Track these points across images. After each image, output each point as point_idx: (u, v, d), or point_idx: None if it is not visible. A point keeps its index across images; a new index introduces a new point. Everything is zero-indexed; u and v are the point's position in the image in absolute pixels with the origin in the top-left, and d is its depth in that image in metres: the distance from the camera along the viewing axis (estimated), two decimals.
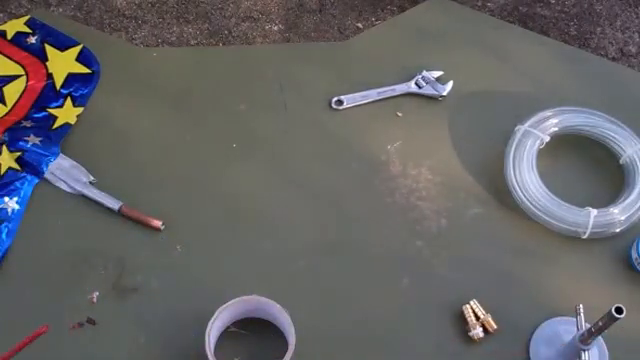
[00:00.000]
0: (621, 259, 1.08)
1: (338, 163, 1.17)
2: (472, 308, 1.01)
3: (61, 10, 2.39)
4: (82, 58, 1.28)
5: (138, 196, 1.11)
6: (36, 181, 1.12)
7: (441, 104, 1.23)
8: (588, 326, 0.91)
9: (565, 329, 1.00)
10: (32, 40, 1.29)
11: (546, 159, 1.15)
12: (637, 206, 1.08)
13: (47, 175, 1.12)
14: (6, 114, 1.20)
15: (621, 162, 1.14)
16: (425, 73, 1.25)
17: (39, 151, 1.14)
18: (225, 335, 0.99)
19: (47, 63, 1.27)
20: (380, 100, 1.24)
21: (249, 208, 1.11)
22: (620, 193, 1.12)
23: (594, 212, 1.07)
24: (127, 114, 1.21)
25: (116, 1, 2.46)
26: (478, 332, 0.99)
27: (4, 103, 1.21)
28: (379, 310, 1.03)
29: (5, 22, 1.34)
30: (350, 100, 1.23)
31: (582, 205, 1.08)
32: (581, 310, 0.95)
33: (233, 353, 0.97)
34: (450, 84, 1.25)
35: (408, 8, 1.45)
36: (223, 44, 2.40)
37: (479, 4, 2.53)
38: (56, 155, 1.14)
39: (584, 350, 0.92)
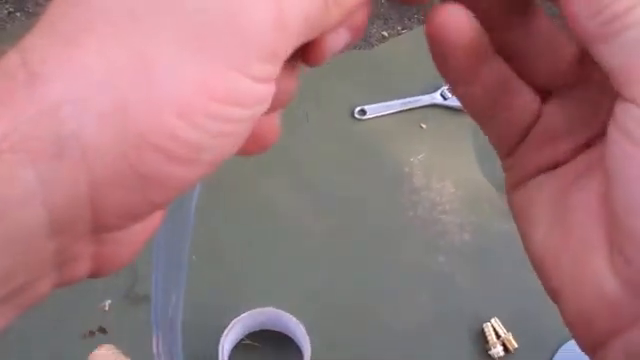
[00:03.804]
0: None
1: (360, 174, 1.15)
2: (493, 326, 0.99)
3: None
4: None
5: None
6: None
7: (466, 116, 1.20)
8: None
9: None
10: None
11: None
12: None
13: None
14: None
15: None
16: None
17: None
18: (239, 347, 0.97)
19: None
20: (404, 111, 1.22)
21: (268, 219, 1.10)
22: None
23: None
24: None
25: None
26: (498, 351, 0.97)
27: None
28: (397, 325, 1.01)
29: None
30: (373, 110, 1.21)
31: None
32: None
33: None
34: None
35: None
36: None
37: None
38: None
39: None
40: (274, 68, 0.29)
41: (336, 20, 0.30)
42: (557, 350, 0.98)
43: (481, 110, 0.36)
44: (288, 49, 0.29)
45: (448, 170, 1.16)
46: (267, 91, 0.29)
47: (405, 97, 1.23)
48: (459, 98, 0.36)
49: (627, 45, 0.27)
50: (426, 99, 1.23)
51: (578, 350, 0.97)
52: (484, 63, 0.33)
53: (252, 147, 0.31)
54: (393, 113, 1.22)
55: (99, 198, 0.26)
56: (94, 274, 0.31)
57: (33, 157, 0.25)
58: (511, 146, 0.36)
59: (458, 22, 0.33)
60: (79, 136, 0.25)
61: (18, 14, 2.21)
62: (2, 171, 0.24)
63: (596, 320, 0.29)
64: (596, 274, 0.29)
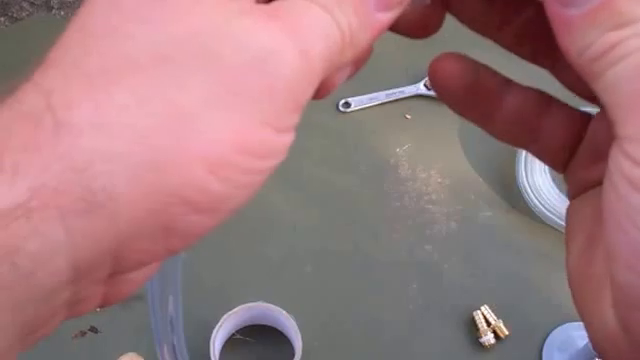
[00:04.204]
0: None
1: (346, 166, 1.15)
2: (483, 314, 0.99)
3: (62, 13, 2.38)
4: None
5: None
6: None
7: None
8: None
9: (579, 335, 0.97)
10: None
11: None
12: None
13: None
14: None
15: None
16: None
17: None
18: (230, 342, 0.97)
19: None
20: (389, 102, 1.22)
21: (254, 213, 1.09)
22: None
23: None
24: None
25: None
26: (489, 338, 0.97)
27: None
28: (387, 316, 1.01)
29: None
30: (358, 102, 1.21)
31: None
32: None
33: None
34: None
35: None
36: None
37: None
38: None
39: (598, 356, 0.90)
40: (297, 117, 0.29)
41: (349, 60, 0.31)
42: (548, 336, 0.99)
43: (516, 140, 0.35)
44: (310, 96, 0.29)
45: (434, 160, 1.16)
46: (289, 140, 0.29)
47: (389, 88, 1.23)
48: (493, 136, 0.35)
49: (614, 81, 0.26)
50: (410, 90, 1.23)
51: (568, 334, 0.97)
52: (499, 99, 0.34)
53: None
54: (377, 104, 1.22)
55: (122, 249, 0.26)
56: (101, 306, 0.31)
57: (62, 213, 0.24)
58: (560, 164, 0.35)
59: (453, 72, 0.34)
60: (110, 191, 0.25)
61: (2, 19, 2.19)
62: (31, 230, 0.24)
63: (606, 350, 0.29)
64: (604, 307, 0.28)
